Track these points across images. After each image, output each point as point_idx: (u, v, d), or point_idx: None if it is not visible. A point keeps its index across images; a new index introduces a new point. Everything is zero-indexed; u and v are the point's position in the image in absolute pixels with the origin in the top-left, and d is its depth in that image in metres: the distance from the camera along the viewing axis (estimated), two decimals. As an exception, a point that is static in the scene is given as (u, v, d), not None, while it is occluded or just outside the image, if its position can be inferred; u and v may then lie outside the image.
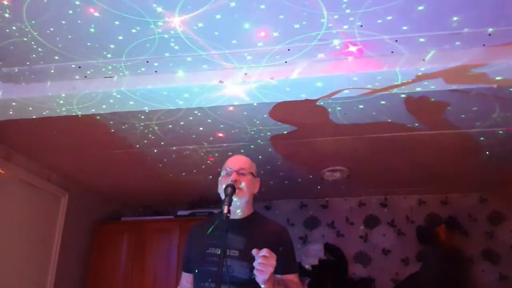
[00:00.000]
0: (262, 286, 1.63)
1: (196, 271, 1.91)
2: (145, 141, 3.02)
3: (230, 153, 3.19)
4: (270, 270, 1.60)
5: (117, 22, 1.81)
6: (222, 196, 1.87)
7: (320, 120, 2.66)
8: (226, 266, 1.67)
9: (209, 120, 2.69)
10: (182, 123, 2.71)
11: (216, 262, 1.73)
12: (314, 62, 2.06)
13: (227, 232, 1.73)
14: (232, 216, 1.78)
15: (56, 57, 2.07)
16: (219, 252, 1.74)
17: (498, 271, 3.96)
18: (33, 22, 1.83)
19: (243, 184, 1.92)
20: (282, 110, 2.52)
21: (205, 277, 1.83)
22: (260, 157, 3.27)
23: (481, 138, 2.88)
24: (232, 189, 1.84)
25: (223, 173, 2.00)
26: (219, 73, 2.15)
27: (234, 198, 1.83)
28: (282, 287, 1.73)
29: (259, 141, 2.99)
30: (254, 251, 1.63)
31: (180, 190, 4.14)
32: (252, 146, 3.07)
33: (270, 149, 3.14)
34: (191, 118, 2.64)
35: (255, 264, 1.61)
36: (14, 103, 2.36)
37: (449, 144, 2.98)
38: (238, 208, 1.93)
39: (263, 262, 1.59)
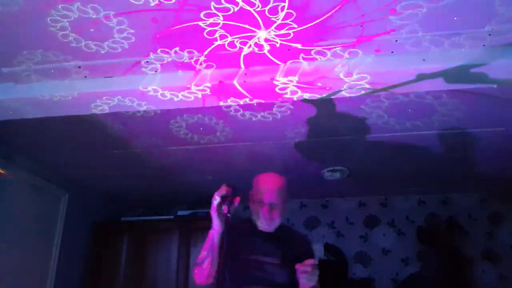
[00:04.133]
0: None
1: (236, 273, 1.99)
2: (145, 141, 3.02)
3: (230, 153, 3.21)
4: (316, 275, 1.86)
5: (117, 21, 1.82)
6: (255, 218, 2.05)
7: (319, 120, 2.67)
8: (268, 273, 1.94)
9: (209, 120, 2.69)
10: (182, 123, 2.72)
11: (259, 268, 1.94)
12: (314, 62, 2.06)
13: (263, 240, 2.00)
14: (265, 230, 2.03)
15: (56, 57, 2.07)
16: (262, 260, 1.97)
17: (498, 271, 3.96)
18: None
19: (275, 217, 2.02)
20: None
21: (248, 282, 1.95)
22: (259, 157, 3.27)
23: (481, 138, 2.88)
24: (233, 189, 1.87)
25: (255, 198, 2.06)
26: (220, 73, 2.16)
27: (269, 225, 2.03)
28: None
29: (260, 141, 2.99)
30: (298, 266, 1.83)
31: (180, 190, 4.14)
32: (253, 146, 3.07)
33: (270, 149, 3.15)
34: (191, 118, 2.64)
35: (301, 271, 1.83)
36: (14, 103, 2.36)
37: (449, 144, 2.99)
38: (271, 227, 2.05)
39: (309, 270, 1.83)
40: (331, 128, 2.80)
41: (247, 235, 2.07)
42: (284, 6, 1.72)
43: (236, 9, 1.73)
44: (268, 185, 2.06)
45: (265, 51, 2.01)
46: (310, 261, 1.85)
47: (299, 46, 1.97)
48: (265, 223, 2.02)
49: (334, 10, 1.75)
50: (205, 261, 1.88)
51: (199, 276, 1.92)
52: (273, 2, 1.69)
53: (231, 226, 2.07)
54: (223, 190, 1.83)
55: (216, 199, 1.81)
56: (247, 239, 2.05)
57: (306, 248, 2.12)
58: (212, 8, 1.72)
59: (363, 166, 3.52)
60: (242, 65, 2.13)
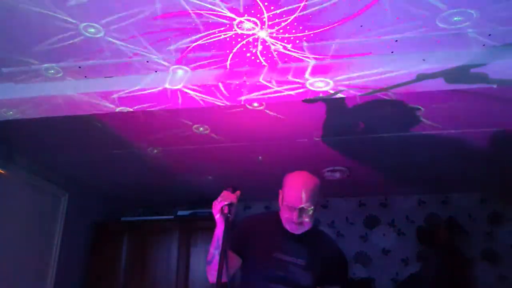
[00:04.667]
0: None
1: (259, 270, 1.94)
2: (145, 141, 3.02)
3: (230, 153, 3.21)
4: None
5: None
6: (284, 219, 1.95)
7: (319, 120, 2.67)
8: (290, 273, 1.89)
9: (209, 120, 2.69)
10: (182, 123, 2.72)
11: (283, 268, 1.89)
12: (314, 62, 2.07)
13: (289, 240, 1.94)
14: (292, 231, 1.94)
15: (56, 57, 2.07)
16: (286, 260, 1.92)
17: (498, 271, 3.96)
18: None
19: (305, 223, 1.92)
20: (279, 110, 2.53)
21: (271, 280, 1.90)
22: (260, 157, 3.27)
23: (481, 138, 2.88)
24: (233, 189, 1.86)
25: (284, 201, 1.94)
26: (219, 73, 2.16)
27: (298, 229, 1.93)
28: None
29: (260, 141, 2.99)
30: None
31: (180, 190, 4.14)
32: (253, 146, 3.07)
33: (270, 149, 3.15)
34: (191, 117, 2.64)
35: None
36: (14, 103, 2.36)
37: (449, 144, 2.99)
38: (299, 232, 1.96)
39: None
40: (331, 128, 2.80)
41: (273, 232, 1.98)
42: (296, 9, 1.72)
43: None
44: (299, 188, 1.90)
45: (263, 52, 2.01)
46: None
47: (298, 46, 1.97)
48: (294, 228, 1.92)
49: (340, 21, 1.76)
50: (213, 260, 1.81)
51: (211, 274, 1.85)
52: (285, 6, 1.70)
53: (256, 220, 2.10)
54: (233, 198, 1.76)
55: (221, 205, 1.74)
56: (272, 237, 1.97)
57: (333, 252, 2.08)
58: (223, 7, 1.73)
59: (363, 166, 3.52)
60: (241, 66, 2.13)
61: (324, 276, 1.91)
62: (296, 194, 1.89)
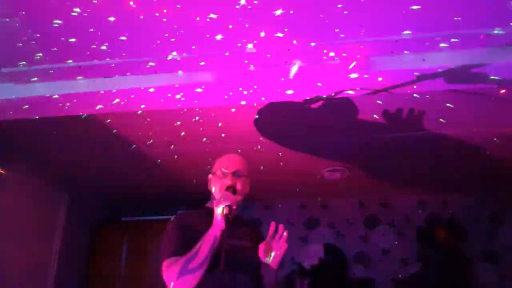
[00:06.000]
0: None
1: (213, 260, 1.82)
2: (145, 141, 3.02)
3: (230, 153, 3.21)
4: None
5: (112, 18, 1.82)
6: (216, 195, 1.91)
7: (319, 120, 2.67)
8: (240, 258, 1.81)
9: (208, 120, 2.69)
10: (182, 123, 2.72)
11: (233, 252, 1.76)
12: (314, 62, 2.07)
13: (234, 225, 1.79)
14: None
15: (56, 57, 2.07)
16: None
17: (498, 271, 3.96)
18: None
19: (239, 187, 1.92)
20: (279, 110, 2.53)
21: (224, 266, 1.76)
22: (260, 157, 3.27)
23: (481, 138, 2.88)
24: (233, 190, 1.86)
25: (218, 172, 1.98)
26: (220, 73, 2.16)
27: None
28: None
29: (260, 141, 2.99)
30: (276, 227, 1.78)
31: (180, 190, 4.14)
32: (252, 147, 3.07)
33: (269, 149, 3.14)
34: (191, 117, 2.64)
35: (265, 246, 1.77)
36: (14, 103, 2.36)
37: (449, 144, 2.99)
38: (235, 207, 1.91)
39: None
40: (331, 127, 2.80)
41: (211, 222, 1.84)
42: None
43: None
44: (231, 156, 2.02)
45: (263, 51, 2.01)
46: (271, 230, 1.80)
47: (298, 47, 1.97)
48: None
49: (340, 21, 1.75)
50: (200, 267, 1.71)
51: (188, 283, 1.72)
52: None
53: (189, 215, 2.09)
54: (233, 201, 1.76)
55: (224, 205, 1.73)
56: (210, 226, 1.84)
57: (260, 232, 2.06)
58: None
59: (363, 166, 3.52)
60: (241, 66, 2.13)
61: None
62: (228, 159, 1.99)
